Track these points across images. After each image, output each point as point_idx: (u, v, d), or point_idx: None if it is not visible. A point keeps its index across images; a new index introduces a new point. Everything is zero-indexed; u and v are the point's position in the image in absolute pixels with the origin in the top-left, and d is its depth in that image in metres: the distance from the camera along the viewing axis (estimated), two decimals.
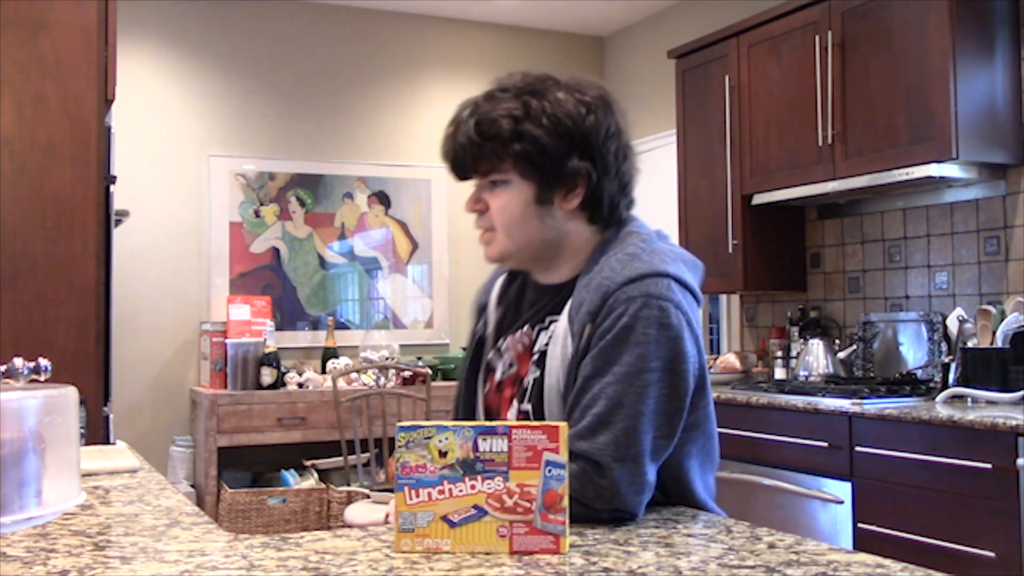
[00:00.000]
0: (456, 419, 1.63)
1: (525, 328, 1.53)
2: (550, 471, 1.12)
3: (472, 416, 1.61)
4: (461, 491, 1.13)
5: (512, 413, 1.50)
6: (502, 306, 1.63)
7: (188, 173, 4.97)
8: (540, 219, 1.48)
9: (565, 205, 1.47)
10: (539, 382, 1.45)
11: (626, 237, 1.47)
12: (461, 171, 1.50)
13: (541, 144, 1.43)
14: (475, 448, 1.13)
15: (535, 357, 1.48)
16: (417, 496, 1.13)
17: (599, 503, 1.29)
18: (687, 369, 1.36)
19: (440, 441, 1.13)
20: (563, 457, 1.12)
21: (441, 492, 1.13)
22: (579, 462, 1.29)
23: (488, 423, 1.16)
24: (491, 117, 1.45)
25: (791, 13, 3.84)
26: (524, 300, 1.59)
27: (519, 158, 1.44)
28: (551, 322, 1.48)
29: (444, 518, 1.13)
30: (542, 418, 1.43)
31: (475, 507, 1.13)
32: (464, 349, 1.78)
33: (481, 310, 1.67)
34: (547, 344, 1.46)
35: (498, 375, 1.57)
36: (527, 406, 1.47)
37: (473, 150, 1.45)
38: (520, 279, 1.62)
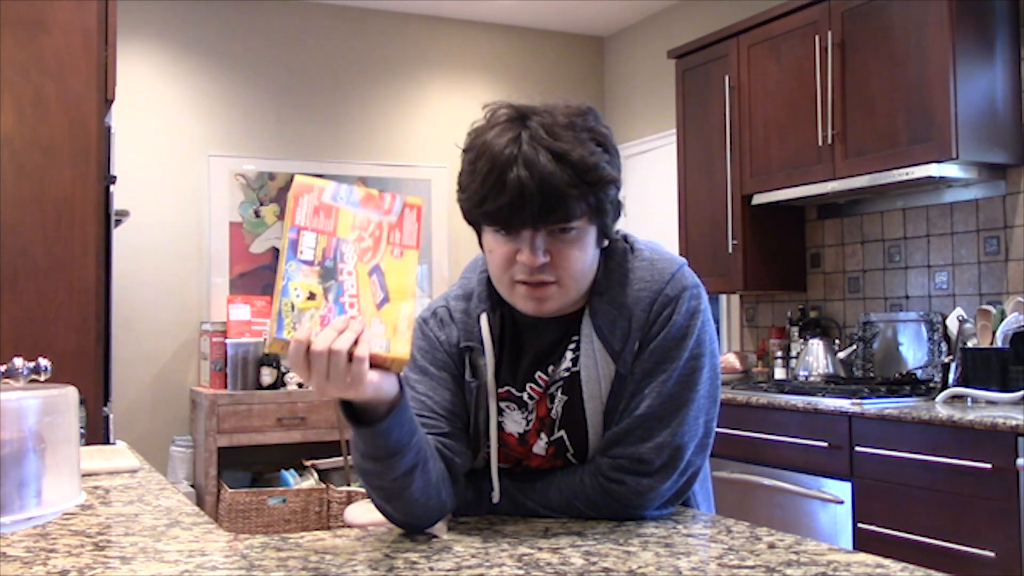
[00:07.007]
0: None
1: (549, 368, 1.36)
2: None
3: (487, 480, 1.38)
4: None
5: (541, 445, 1.38)
6: (496, 349, 1.37)
7: (188, 173, 4.97)
8: (595, 260, 1.33)
9: (604, 240, 1.35)
10: (570, 406, 1.35)
11: (612, 244, 1.38)
12: (524, 220, 1.22)
13: (617, 186, 1.28)
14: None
15: (557, 383, 1.36)
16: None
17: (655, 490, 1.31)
18: (716, 347, 1.38)
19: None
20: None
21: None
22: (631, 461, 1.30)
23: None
24: (588, 160, 1.22)
25: (791, 13, 3.84)
26: (523, 339, 1.39)
27: (599, 201, 1.25)
28: (564, 350, 1.36)
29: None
30: (583, 441, 1.35)
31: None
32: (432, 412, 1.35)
33: (463, 354, 1.38)
34: (567, 370, 1.35)
35: (518, 429, 1.38)
36: (560, 433, 1.36)
37: (556, 197, 1.20)
38: (499, 313, 1.39)
